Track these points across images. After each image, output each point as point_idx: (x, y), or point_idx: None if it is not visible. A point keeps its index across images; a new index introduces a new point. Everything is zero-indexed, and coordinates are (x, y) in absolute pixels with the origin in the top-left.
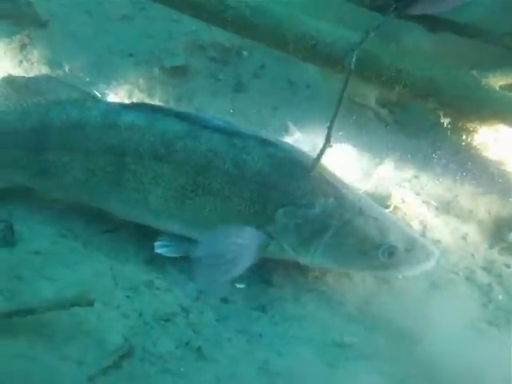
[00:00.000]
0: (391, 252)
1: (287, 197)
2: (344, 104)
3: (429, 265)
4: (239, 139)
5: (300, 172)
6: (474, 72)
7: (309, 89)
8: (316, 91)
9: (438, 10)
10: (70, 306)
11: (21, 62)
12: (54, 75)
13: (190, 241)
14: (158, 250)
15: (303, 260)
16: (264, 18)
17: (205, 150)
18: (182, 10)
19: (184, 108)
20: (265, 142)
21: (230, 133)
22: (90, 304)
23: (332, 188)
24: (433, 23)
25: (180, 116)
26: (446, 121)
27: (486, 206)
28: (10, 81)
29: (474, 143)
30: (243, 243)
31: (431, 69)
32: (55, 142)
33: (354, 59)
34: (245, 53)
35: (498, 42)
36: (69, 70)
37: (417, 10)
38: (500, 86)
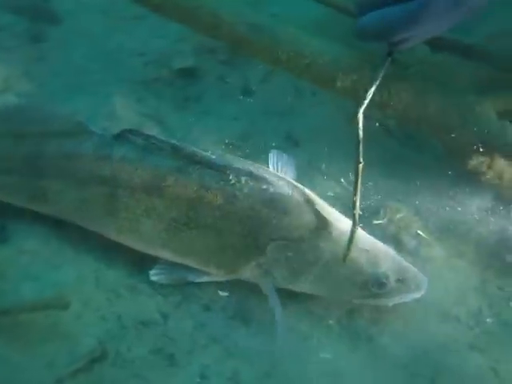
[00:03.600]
0: (382, 283)
1: (278, 231)
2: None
3: (419, 294)
4: (231, 175)
5: (291, 207)
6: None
7: (314, 96)
8: (322, 98)
9: (430, 35)
10: (44, 308)
11: (34, 58)
12: (47, 103)
13: (186, 268)
14: (153, 278)
15: (295, 289)
16: (259, 35)
17: (197, 185)
18: (180, 22)
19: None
20: (257, 178)
21: (222, 168)
22: (65, 307)
23: (323, 222)
24: (436, 43)
25: (173, 149)
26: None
27: (485, 226)
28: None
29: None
30: None
31: None
32: (49, 170)
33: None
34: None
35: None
36: (79, 66)
37: (409, 44)
38: (498, 112)
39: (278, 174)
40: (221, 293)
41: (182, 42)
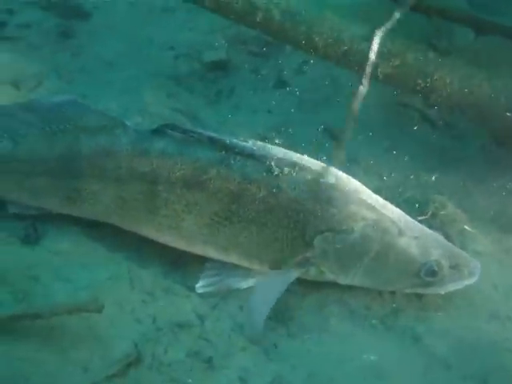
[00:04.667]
0: (435, 271)
1: (325, 223)
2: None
3: (472, 280)
4: (274, 166)
5: (338, 197)
6: None
7: (352, 86)
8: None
9: None
10: (78, 311)
11: (63, 54)
12: (79, 99)
13: (231, 275)
14: (200, 291)
15: (343, 282)
16: (293, 21)
17: (238, 177)
18: (213, 11)
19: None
20: (301, 168)
21: (264, 159)
22: (99, 311)
23: (370, 211)
24: (480, 25)
25: (213, 141)
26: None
27: None
28: (33, 106)
29: None
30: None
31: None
32: (84, 170)
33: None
34: (288, 47)
35: None
36: (109, 62)
37: None
38: None
39: (322, 163)
40: None
41: (212, 34)
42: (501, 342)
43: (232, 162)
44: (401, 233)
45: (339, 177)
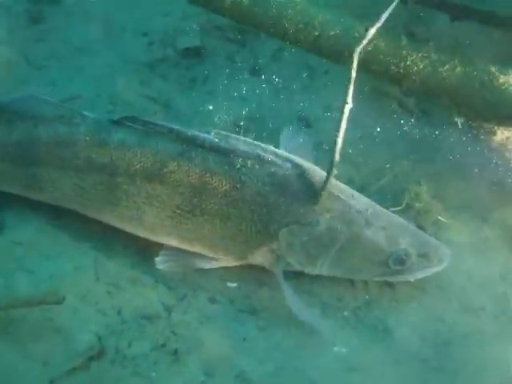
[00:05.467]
0: (402, 259)
1: (290, 216)
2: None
3: (441, 266)
4: (237, 158)
5: (302, 189)
6: (494, 67)
7: (327, 74)
8: (335, 77)
9: None
10: (37, 303)
11: (33, 39)
12: (38, 93)
13: (194, 254)
14: (160, 266)
15: (311, 273)
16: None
17: (200, 170)
18: None
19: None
20: (264, 161)
21: (226, 152)
22: (59, 302)
23: (337, 202)
24: (456, 11)
25: (173, 133)
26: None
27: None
28: None
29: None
30: None
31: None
32: (43, 157)
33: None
34: (263, 34)
35: None
36: (80, 48)
37: None
38: None
39: (288, 154)
40: (229, 284)
41: (187, 20)
42: (474, 334)
43: (193, 154)
44: (368, 223)
45: (305, 168)
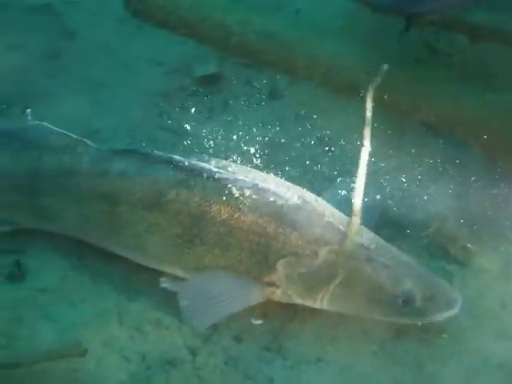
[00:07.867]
0: (405, 302)
1: (288, 247)
2: None
3: (452, 312)
4: (235, 187)
5: (301, 220)
6: None
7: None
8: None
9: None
10: (59, 357)
11: (50, 75)
12: (44, 123)
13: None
14: (164, 285)
15: (313, 306)
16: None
17: (199, 199)
18: (187, 36)
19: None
20: (263, 190)
21: (225, 181)
22: (82, 355)
23: (336, 234)
24: (474, 33)
25: (172, 163)
26: None
27: None
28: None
29: None
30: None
31: None
32: (48, 188)
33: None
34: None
35: None
36: (97, 81)
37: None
38: None
39: (290, 184)
40: (253, 321)
41: (202, 47)
42: (510, 364)
43: (192, 183)
44: (369, 259)
45: (306, 198)
